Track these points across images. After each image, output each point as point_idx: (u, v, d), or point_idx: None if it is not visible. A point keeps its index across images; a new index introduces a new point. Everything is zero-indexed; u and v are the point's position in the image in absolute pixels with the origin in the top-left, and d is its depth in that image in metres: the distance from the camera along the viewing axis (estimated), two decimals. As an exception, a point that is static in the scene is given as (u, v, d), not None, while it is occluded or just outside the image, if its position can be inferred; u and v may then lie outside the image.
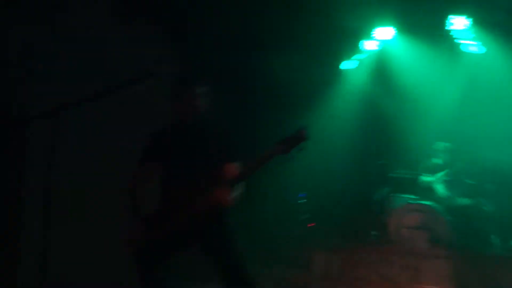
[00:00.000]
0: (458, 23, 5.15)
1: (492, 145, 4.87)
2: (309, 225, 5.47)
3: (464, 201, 4.84)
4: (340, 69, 6.10)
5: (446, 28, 5.21)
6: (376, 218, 5.13)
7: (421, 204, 4.72)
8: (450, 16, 5.13)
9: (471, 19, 5.08)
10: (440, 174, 5.04)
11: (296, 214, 5.57)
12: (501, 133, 4.90)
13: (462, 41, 5.36)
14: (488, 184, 4.77)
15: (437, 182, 5.06)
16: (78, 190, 2.89)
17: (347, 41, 5.63)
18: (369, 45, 5.71)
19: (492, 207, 4.68)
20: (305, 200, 5.66)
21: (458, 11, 5.08)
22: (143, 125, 2.59)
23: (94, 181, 3.06)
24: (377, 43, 5.68)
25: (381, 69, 5.87)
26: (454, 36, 5.33)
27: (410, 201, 4.91)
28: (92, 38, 3.14)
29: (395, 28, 5.42)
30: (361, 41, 5.71)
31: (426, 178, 5.16)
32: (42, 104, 2.18)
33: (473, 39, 5.31)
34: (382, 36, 5.50)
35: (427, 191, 5.15)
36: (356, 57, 5.97)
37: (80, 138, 2.91)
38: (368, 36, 5.61)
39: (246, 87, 5.51)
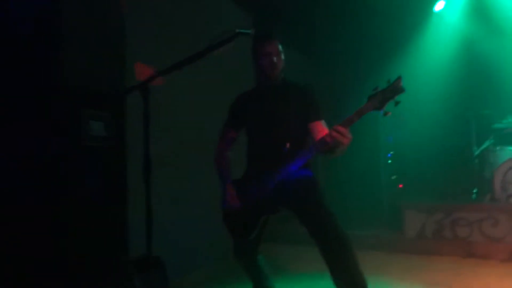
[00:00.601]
0: None
1: None
2: (399, 186, 5.19)
3: None
4: (434, 11, 5.43)
5: None
6: (477, 175, 4.68)
7: (533, 156, 4.19)
8: None
9: None
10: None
11: (386, 175, 5.31)
12: None
13: None
14: None
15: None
16: (173, 155, 3.05)
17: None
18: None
19: None
20: (390, 161, 5.35)
21: None
22: (231, 88, 2.60)
23: (186, 146, 3.21)
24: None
25: (479, 6, 5.11)
26: None
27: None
28: (171, 9, 3.19)
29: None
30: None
31: (539, 127, 4.53)
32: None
33: None
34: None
35: (541, 141, 4.53)
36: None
37: (172, 104, 3.04)
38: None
39: (328, 38, 5.24)
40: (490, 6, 5.05)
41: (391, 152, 5.33)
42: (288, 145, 2.20)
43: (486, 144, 4.65)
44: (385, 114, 1.95)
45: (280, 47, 2.31)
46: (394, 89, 1.92)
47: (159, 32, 3.03)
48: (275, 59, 2.26)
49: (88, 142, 1.99)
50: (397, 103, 1.93)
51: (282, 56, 2.31)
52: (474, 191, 4.61)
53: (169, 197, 2.91)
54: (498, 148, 4.52)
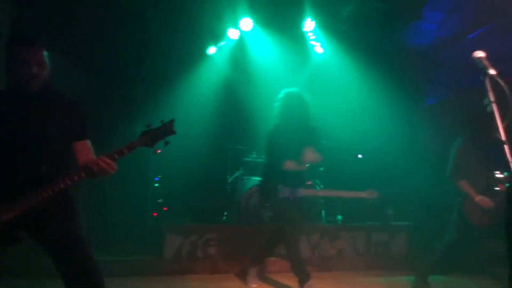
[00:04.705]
0: (309, 24, 5.72)
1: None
2: (164, 209, 5.54)
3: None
4: (206, 54, 6.16)
5: (300, 27, 5.74)
6: (229, 199, 5.50)
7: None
8: (304, 17, 5.64)
9: (315, 22, 5.69)
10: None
11: (152, 198, 5.57)
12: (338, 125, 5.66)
13: (312, 42, 6.00)
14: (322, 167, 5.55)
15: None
16: None
17: (215, 27, 5.72)
18: (232, 34, 5.89)
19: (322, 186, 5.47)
20: (157, 185, 5.66)
21: (307, 13, 5.61)
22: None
23: None
24: (239, 32, 5.88)
25: (240, 57, 6.14)
26: (306, 36, 5.92)
27: (258, 183, 5.41)
28: None
29: (253, 20, 5.68)
30: (226, 29, 5.83)
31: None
32: None
33: (319, 41, 6.01)
34: (243, 27, 5.72)
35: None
36: (221, 43, 6.10)
37: None
38: (232, 24, 5.77)
39: (104, 67, 5.16)
40: (246, 58, 6.15)
41: (159, 176, 5.64)
42: (44, 168, 2.00)
43: (236, 173, 5.55)
44: (155, 152, 2.07)
45: (45, 55, 2.05)
46: (166, 130, 2.06)
47: None
48: (35, 69, 2.00)
49: None
50: (166, 143, 2.08)
51: (47, 66, 2.06)
52: (225, 213, 5.40)
53: None
54: (245, 177, 5.48)
